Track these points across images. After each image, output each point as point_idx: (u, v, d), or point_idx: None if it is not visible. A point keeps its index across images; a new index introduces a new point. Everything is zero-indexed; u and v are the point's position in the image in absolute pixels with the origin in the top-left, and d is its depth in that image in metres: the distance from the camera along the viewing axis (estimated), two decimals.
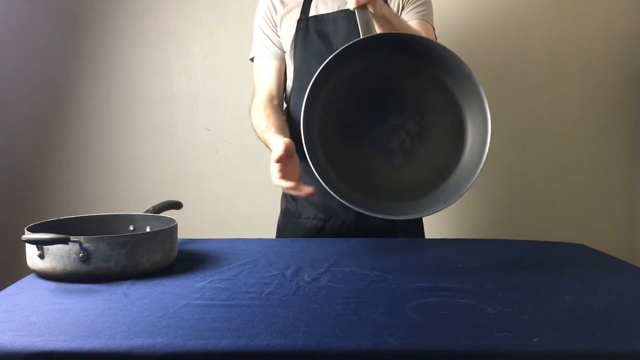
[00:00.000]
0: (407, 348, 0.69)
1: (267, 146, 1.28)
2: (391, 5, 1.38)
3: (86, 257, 0.91)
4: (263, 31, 1.42)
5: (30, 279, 0.96)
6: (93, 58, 1.93)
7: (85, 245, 0.91)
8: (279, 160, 1.10)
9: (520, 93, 1.92)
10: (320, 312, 0.80)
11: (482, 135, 1.05)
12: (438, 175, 1.10)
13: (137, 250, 0.94)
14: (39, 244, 0.91)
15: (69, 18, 1.91)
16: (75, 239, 0.90)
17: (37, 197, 1.96)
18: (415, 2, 1.39)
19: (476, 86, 1.03)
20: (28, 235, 0.92)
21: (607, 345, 0.70)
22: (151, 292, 0.88)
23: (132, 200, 1.93)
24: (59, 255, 0.91)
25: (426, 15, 1.39)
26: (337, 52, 1.03)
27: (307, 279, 0.96)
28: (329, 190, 1.00)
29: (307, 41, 1.37)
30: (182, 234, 1.10)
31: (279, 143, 1.14)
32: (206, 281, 0.94)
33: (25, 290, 0.90)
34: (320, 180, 1.01)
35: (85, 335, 0.70)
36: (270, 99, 1.40)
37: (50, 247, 0.91)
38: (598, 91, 1.92)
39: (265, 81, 1.42)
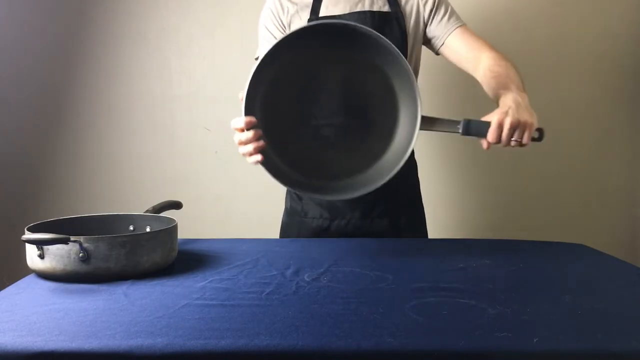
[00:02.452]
0: (407, 348, 0.69)
1: None
2: (412, 16, 1.37)
3: (86, 257, 0.91)
4: (269, 30, 1.39)
5: (30, 279, 0.96)
6: (93, 58, 1.93)
7: (85, 245, 0.91)
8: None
9: None
10: (320, 312, 0.80)
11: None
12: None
13: (137, 250, 0.94)
14: (39, 244, 0.91)
15: (69, 18, 1.91)
16: (75, 239, 0.90)
17: (37, 197, 1.96)
18: (441, 11, 1.39)
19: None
20: (28, 235, 0.92)
21: (607, 345, 0.70)
22: (151, 292, 0.88)
23: (132, 200, 1.93)
24: (59, 255, 0.91)
25: (458, 19, 1.40)
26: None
27: (307, 279, 0.96)
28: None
29: None
30: (182, 234, 1.10)
31: None
32: (206, 281, 0.94)
33: (25, 290, 0.90)
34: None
35: (85, 335, 0.70)
36: None
37: (50, 247, 0.91)
38: (599, 91, 1.92)
39: None
